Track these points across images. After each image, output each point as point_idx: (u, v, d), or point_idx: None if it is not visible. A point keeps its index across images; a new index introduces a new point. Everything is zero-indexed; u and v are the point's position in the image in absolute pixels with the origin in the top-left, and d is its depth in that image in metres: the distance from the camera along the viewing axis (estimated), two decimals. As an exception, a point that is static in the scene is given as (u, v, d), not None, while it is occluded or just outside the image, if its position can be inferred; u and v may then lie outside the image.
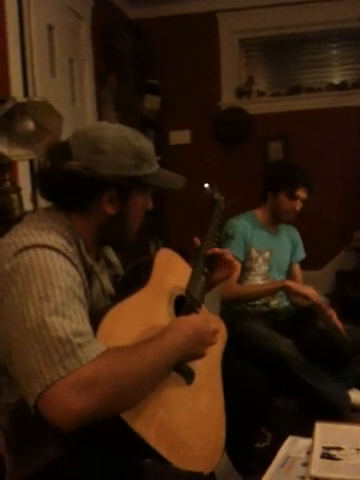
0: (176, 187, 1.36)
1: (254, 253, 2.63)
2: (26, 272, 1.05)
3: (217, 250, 1.56)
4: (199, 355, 1.24)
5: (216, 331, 1.28)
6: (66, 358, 0.98)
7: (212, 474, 1.23)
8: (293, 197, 2.57)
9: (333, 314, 2.44)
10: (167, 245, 1.58)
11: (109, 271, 1.40)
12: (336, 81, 4.88)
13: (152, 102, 4.68)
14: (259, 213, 2.71)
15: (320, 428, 1.05)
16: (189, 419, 1.20)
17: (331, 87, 4.84)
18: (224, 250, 1.58)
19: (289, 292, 2.57)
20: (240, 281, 2.62)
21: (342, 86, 4.81)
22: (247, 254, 2.61)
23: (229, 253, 1.57)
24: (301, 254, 2.85)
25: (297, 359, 2.30)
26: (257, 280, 2.65)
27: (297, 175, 2.60)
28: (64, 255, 1.11)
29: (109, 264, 1.41)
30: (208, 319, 1.29)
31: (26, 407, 1.00)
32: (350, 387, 2.45)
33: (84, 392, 0.96)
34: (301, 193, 2.59)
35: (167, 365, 1.12)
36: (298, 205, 2.60)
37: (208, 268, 1.54)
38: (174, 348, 1.13)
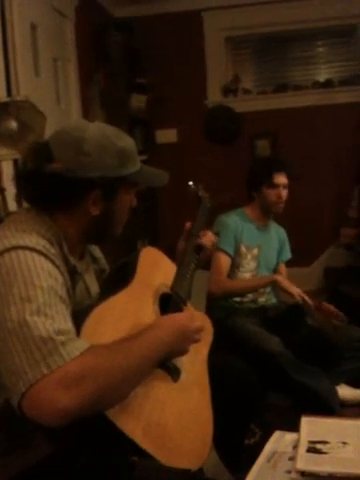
0: (160, 184, 1.36)
1: (243, 249, 2.64)
2: (7, 274, 1.05)
3: (203, 240, 1.58)
4: (183, 351, 1.24)
5: (200, 329, 1.28)
6: (49, 356, 0.98)
7: (201, 470, 1.22)
8: (273, 185, 2.60)
9: (322, 304, 2.46)
10: (154, 244, 1.59)
11: (94, 266, 1.40)
12: (322, 79, 4.89)
13: (139, 100, 4.67)
14: (248, 210, 2.72)
15: (306, 422, 1.05)
16: (176, 416, 1.19)
17: (317, 85, 4.86)
18: (207, 236, 1.60)
19: (277, 287, 2.58)
20: (229, 277, 2.62)
21: (328, 84, 4.82)
22: (236, 250, 2.62)
23: (208, 241, 1.61)
24: (287, 254, 2.87)
25: (286, 357, 2.31)
26: (246, 276, 2.67)
27: (270, 164, 2.65)
28: (45, 256, 1.11)
29: (93, 259, 1.41)
30: (192, 316, 1.29)
31: (10, 407, 0.99)
32: (339, 383, 2.46)
33: (69, 388, 0.96)
34: (280, 179, 2.61)
35: (151, 360, 1.12)
36: (282, 192, 2.62)
37: (196, 259, 1.55)
38: (158, 343, 1.14)
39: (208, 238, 1.62)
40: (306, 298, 2.44)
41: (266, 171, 2.62)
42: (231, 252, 2.59)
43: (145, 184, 1.32)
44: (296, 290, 2.45)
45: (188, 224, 1.64)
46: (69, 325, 1.05)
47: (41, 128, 2.13)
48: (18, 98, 2.21)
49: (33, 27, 3.28)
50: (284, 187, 2.62)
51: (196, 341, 1.27)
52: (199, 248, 1.58)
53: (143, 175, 1.30)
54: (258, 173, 2.66)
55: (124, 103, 4.50)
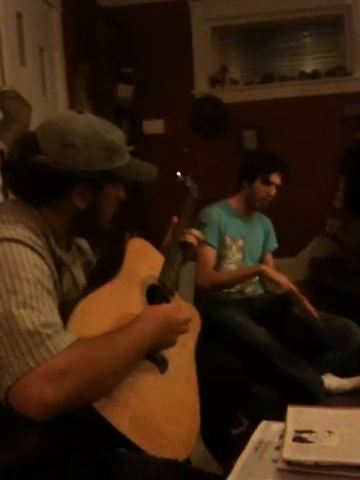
0: (148, 179, 1.34)
1: (228, 241, 2.64)
2: None
3: (187, 236, 1.56)
4: (170, 343, 1.25)
5: (187, 320, 1.29)
6: (35, 349, 0.98)
7: (188, 460, 1.23)
8: (268, 182, 2.59)
9: (305, 300, 2.46)
10: (142, 235, 1.58)
11: (81, 259, 1.39)
12: (308, 70, 4.90)
13: (125, 91, 4.64)
14: (233, 201, 2.72)
15: (292, 412, 1.06)
16: (163, 407, 1.20)
17: (304, 76, 4.86)
18: (191, 233, 1.59)
19: (264, 277, 2.59)
20: (215, 269, 2.63)
21: (314, 75, 4.83)
22: (221, 242, 2.62)
23: (193, 238, 1.59)
24: (273, 244, 2.87)
25: (272, 347, 2.32)
26: (231, 268, 2.67)
27: (273, 161, 2.63)
28: (31, 248, 1.10)
29: (80, 251, 1.40)
30: (179, 307, 1.29)
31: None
32: (325, 373, 2.49)
33: (56, 381, 0.97)
34: (276, 178, 2.61)
35: (138, 352, 1.13)
36: (273, 191, 2.62)
37: (182, 254, 1.54)
38: (144, 335, 1.14)
39: (193, 235, 1.60)
40: (293, 287, 2.45)
41: (265, 166, 2.61)
42: (215, 244, 2.59)
43: (132, 179, 1.31)
44: (283, 279, 2.46)
45: (175, 218, 1.63)
46: (56, 317, 1.05)
47: (27, 118, 2.11)
48: (3, 88, 2.18)
49: (19, 16, 3.23)
50: (276, 186, 2.63)
51: (183, 332, 1.28)
52: (184, 245, 1.57)
53: (131, 169, 1.28)
54: (256, 165, 2.64)
55: (110, 93, 4.47)
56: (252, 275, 2.60)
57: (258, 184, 2.61)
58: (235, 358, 1.64)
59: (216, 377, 1.50)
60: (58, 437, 1.04)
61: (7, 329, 0.99)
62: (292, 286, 2.45)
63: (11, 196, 1.28)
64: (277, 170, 2.60)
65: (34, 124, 2.25)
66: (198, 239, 1.62)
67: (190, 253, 1.60)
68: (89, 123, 1.21)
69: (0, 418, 1.07)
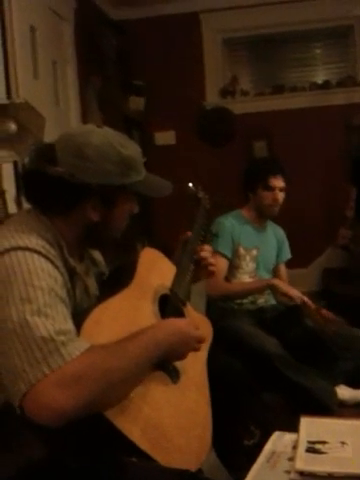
0: (162, 195, 1.34)
1: (242, 251, 2.64)
2: (7, 275, 1.05)
3: (201, 254, 1.56)
4: (180, 357, 1.25)
5: (201, 338, 1.29)
6: (49, 356, 0.99)
7: (199, 471, 1.23)
8: (269, 188, 2.59)
9: (321, 309, 2.45)
10: (153, 245, 1.59)
11: (94, 269, 1.40)
12: (319, 80, 4.91)
13: (136, 103, 4.67)
14: (245, 212, 2.72)
15: (305, 422, 1.06)
16: (175, 417, 1.20)
17: (314, 86, 4.87)
18: (206, 252, 1.58)
19: (275, 291, 2.58)
20: (228, 279, 2.63)
21: (325, 85, 4.83)
22: (235, 252, 2.62)
23: (209, 258, 1.57)
24: (287, 254, 2.86)
25: (283, 358, 2.31)
26: (245, 278, 2.66)
27: (267, 166, 2.63)
28: (45, 257, 1.11)
29: (94, 262, 1.41)
30: (194, 324, 1.29)
31: (9, 407, 1.00)
32: (337, 384, 2.47)
33: (70, 388, 0.97)
34: (276, 182, 2.60)
35: (149, 360, 1.13)
36: (278, 195, 2.61)
37: (194, 265, 1.55)
38: (155, 344, 1.14)
39: (206, 251, 1.59)
40: (306, 300, 2.44)
41: (262, 173, 2.62)
42: (228, 254, 2.59)
43: (146, 195, 1.31)
44: (295, 292, 2.45)
45: (188, 233, 1.62)
46: (69, 325, 1.06)
47: (40, 130, 2.14)
48: (17, 100, 2.22)
49: (32, 30, 3.28)
50: (280, 190, 2.62)
51: (195, 350, 1.28)
52: (198, 263, 1.57)
53: (145, 185, 1.28)
54: (254, 174, 2.66)
55: (122, 105, 4.51)
56: (262, 288, 2.59)
57: (261, 192, 2.61)
58: (243, 367, 1.64)
59: (226, 387, 1.50)
60: (68, 445, 1.04)
61: (22, 337, 1.00)
62: (306, 299, 2.44)
63: (25, 207, 1.30)
64: (275, 173, 2.60)
65: (47, 136, 2.27)
66: (210, 254, 1.61)
67: (204, 274, 1.59)
68: (106, 137, 1.22)
69: (6, 424, 1.08)
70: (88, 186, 1.18)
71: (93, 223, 1.23)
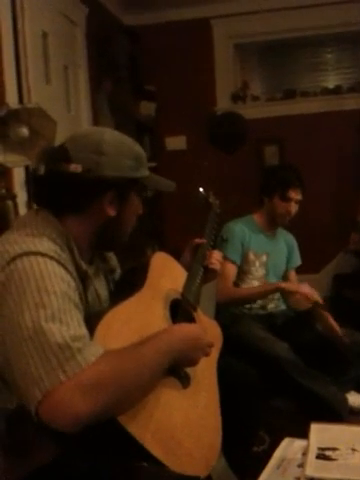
0: (169, 190, 1.40)
1: (251, 256, 2.64)
2: (20, 280, 1.05)
3: (211, 261, 1.61)
4: (192, 362, 1.25)
5: (212, 344, 1.30)
6: (66, 363, 0.99)
7: (209, 477, 1.22)
8: (286, 199, 2.58)
9: (329, 316, 2.44)
10: (163, 249, 1.60)
11: (103, 266, 1.41)
12: (331, 85, 4.89)
13: (148, 108, 4.69)
14: (256, 217, 2.72)
15: (315, 429, 1.05)
16: (185, 422, 1.20)
17: (326, 91, 4.86)
18: (215, 259, 1.61)
19: (284, 294, 2.56)
20: (237, 284, 2.62)
21: (337, 90, 4.82)
22: (244, 257, 2.62)
23: (218, 264, 1.62)
24: (297, 260, 2.85)
25: (294, 363, 2.30)
26: (254, 283, 2.66)
27: (288, 177, 2.61)
28: (57, 261, 1.11)
29: (103, 259, 1.42)
30: (205, 330, 1.30)
31: (22, 412, 1.00)
32: (348, 390, 2.45)
33: (86, 394, 0.97)
34: (293, 194, 2.59)
35: (163, 365, 1.14)
36: (292, 207, 2.60)
37: (203, 269, 1.56)
38: (169, 349, 1.15)
39: (215, 258, 1.64)
40: (317, 297, 2.41)
41: (282, 183, 2.59)
42: (237, 260, 2.58)
43: (156, 188, 1.40)
44: (307, 289, 2.42)
45: (198, 240, 1.65)
46: (83, 330, 1.06)
47: (52, 135, 2.15)
48: (29, 105, 2.23)
49: (44, 35, 3.31)
50: (296, 202, 2.61)
51: (206, 355, 1.29)
52: (207, 269, 1.60)
53: (152, 180, 1.36)
54: (274, 181, 2.63)
55: (133, 110, 4.52)
56: (270, 292, 2.57)
57: (277, 201, 2.60)
58: (253, 372, 1.64)
59: (236, 392, 1.50)
60: (79, 449, 1.04)
61: (37, 343, 0.99)
62: (316, 296, 2.41)
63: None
64: (294, 186, 2.59)
65: (59, 140, 2.28)
66: (220, 262, 1.67)
67: (212, 277, 1.64)
68: (118, 135, 1.29)
69: (18, 429, 1.08)
70: (105, 179, 1.21)
71: (108, 219, 1.24)
